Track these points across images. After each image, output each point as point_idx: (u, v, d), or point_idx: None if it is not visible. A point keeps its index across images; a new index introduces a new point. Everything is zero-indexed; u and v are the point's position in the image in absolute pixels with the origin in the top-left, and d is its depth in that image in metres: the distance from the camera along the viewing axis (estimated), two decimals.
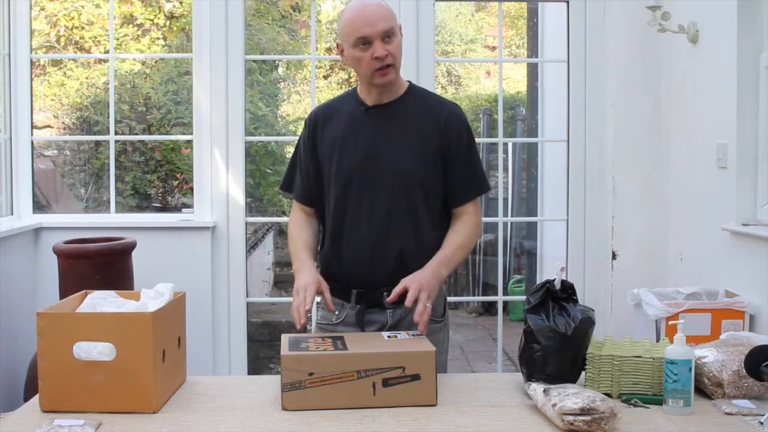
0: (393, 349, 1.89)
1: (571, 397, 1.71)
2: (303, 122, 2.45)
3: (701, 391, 1.91)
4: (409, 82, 2.31)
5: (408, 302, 2.04)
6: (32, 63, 4.08)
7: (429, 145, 2.22)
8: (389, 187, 2.19)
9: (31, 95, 4.04)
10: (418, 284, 2.06)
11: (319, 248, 2.35)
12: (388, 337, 2.01)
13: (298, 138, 2.41)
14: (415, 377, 1.86)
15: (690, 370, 1.79)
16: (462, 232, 2.24)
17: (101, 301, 2.00)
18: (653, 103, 3.85)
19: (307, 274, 2.17)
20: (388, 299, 2.11)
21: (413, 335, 2.02)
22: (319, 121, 2.30)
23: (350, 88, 2.37)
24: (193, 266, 3.89)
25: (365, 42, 2.13)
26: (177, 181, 7.65)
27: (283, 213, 7.57)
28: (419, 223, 2.21)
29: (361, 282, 2.22)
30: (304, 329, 2.09)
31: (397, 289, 2.08)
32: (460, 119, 2.28)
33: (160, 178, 7.65)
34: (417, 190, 2.20)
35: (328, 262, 2.28)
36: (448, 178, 2.25)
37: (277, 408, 1.86)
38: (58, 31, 7.58)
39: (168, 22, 7.85)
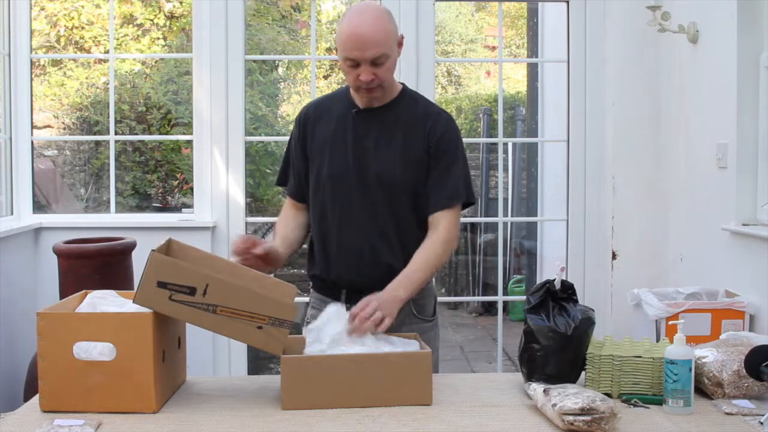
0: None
1: (571, 397, 1.71)
2: None
3: (701, 391, 1.92)
4: (402, 84, 2.29)
5: (353, 312, 1.98)
6: (32, 63, 4.07)
7: (416, 150, 2.20)
8: (376, 191, 2.18)
9: (31, 95, 4.04)
10: (370, 301, 2.02)
11: (307, 248, 2.34)
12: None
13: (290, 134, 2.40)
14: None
15: (690, 370, 1.79)
16: (427, 249, 2.16)
17: (101, 301, 2.00)
18: (653, 103, 3.85)
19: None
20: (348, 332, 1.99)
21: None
22: (309, 119, 2.29)
23: (344, 86, 2.33)
24: None
25: (353, 64, 2.11)
26: (177, 181, 7.65)
27: None
28: (406, 227, 2.20)
29: (350, 283, 2.21)
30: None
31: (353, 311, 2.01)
32: (447, 126, 2.24)
33: (160, 178, 7.65)
34: (402, 195, 2.19)
35: (316, 262, 2.28)
36: (425, 185, 2.21)
37: (277, 408, 1.86)
38: (58, 31, 7.58)
39: (168, 22, 7.85)
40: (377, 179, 2.18)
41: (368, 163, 2.19)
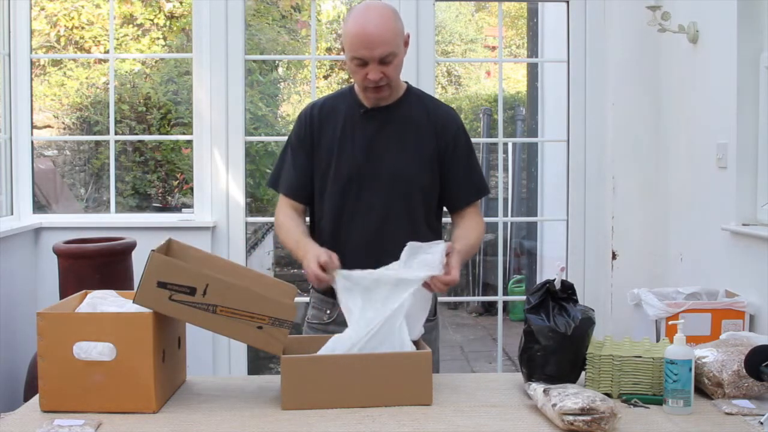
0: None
1: (571, 397, 1.71)
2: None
3: (701, 391, 1.92)
4: (406, 83, 2.30)
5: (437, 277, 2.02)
6: (32, 63, 4.07)
7: (426, 148, 2.21)
8: (388, 190, 2.19)
9: (31, 95, 4.04)
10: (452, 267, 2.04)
11: None
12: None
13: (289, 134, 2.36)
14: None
15: (690, 370, 1.79)
16: (472, 232, 2.23)
17: (101, 301, 2.00)
18: (653, 103, 3.85)
19: (317, 247, 2.10)
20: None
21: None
22: (315, 118, 2.27)
23: (347, 86, 2.33)
24: None
25: (361, 63, 2.11)
26: (177, 181, 7.66)
27: None
28: (416, 225, 2.21)
29: None
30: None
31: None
32: (456, 123, 2.28)
33: (160, 178, 7.66)
34: (416, 192, 2.21)
35: None
36: (448, 182, 2.25)
37: (277, 408, 1.86)
38: (58, 31, 7.58)
39: (168, 22, 7.85)
40: (392, 179, 2.19)
41: (382, 163, 2.19)
